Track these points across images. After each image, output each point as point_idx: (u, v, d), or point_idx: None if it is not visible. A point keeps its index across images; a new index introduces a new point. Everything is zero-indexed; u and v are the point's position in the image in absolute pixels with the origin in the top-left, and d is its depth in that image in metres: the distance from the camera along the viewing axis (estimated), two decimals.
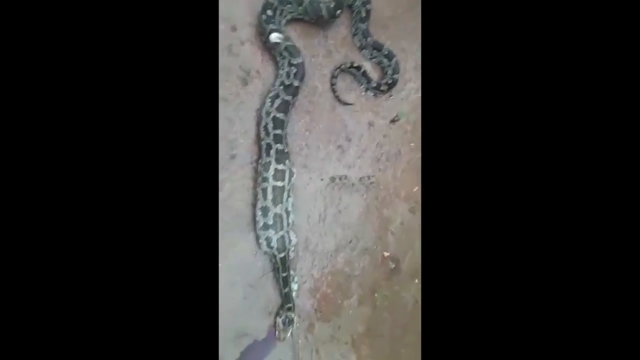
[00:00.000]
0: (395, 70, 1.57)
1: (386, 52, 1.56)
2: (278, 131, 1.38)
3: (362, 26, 1.55)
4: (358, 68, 1.54)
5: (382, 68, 1.60)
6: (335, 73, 1.53)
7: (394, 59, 1.57)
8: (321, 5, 1.44)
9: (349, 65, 1.54)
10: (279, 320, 1.43)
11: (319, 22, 1.50)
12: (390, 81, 1.57)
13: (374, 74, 1.60)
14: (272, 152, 1.38)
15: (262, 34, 1.42)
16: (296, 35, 1.50)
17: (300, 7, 1.42)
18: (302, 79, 1.42)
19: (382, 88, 1.57)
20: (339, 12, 1.49)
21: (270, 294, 1.47)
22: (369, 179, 1.58)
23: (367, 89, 1.59)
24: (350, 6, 1.56)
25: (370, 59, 1.60)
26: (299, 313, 1.49)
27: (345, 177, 1.57)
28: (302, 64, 1.40)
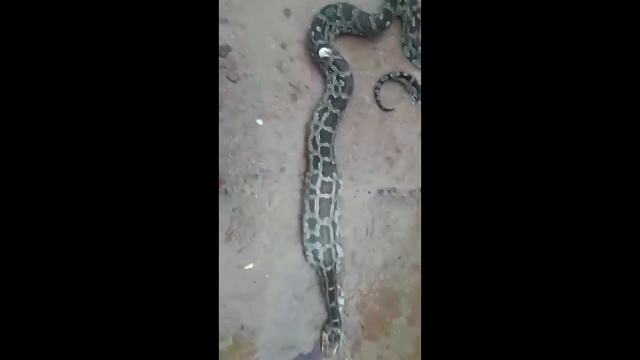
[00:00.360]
0: None
1: None
2: (325, 144, 1.39)
3: (412, 36, 1.51)
4: (408, 78, 1.51)
5: None
6: (383, 79, 1.50)
7: None
8: (370, 17, 1.44)
9: (398, 74, 1.51)
10: (325, 335, 1.40)
11: (368, 35, 1.49)
12: None
13: None
14: (320, 164, 1.39)
15: (311, 50, 1.45)
16: (345, 49, 1.51)
17: (349, 22, 1.43)
18: (350, 92, 1.42)
19: None
20: (388, 23, 1.48)
21: (316, 308, 1.46)
22: (420, 191, 1.51)
23: (417, 99, 1.54)
24: (399, 17, 1.54)
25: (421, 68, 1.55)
26: (345, 329, 1.45)
27: (394, 189, 1.52)
28: (351, 77, 1.41)
